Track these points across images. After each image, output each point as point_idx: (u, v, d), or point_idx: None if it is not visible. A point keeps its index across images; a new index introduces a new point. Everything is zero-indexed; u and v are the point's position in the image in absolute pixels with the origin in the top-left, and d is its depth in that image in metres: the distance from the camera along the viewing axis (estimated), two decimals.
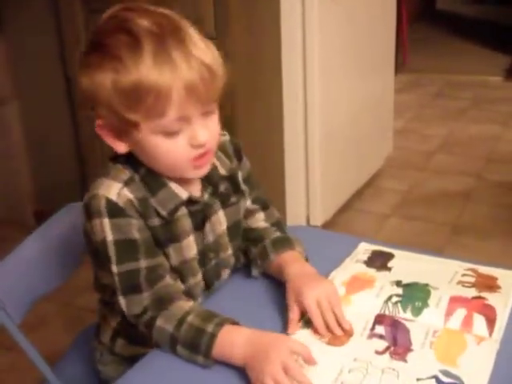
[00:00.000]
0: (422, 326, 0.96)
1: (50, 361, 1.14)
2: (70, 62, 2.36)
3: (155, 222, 0.99)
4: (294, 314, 0.97)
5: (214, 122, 0.98)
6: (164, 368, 0.93)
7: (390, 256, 1.14)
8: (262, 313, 1.02)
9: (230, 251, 1.11)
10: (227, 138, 1.12)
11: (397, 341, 0.93)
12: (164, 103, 0.89)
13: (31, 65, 2.52)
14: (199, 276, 1.07)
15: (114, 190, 0.95)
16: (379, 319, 0.97)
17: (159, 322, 0.95)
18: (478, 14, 6.12)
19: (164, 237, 1.00)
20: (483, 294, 1.01)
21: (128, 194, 0.96)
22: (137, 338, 1.05)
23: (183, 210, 1.02)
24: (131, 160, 0.99)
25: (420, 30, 5.58)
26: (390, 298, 1.01)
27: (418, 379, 0.86)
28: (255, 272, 1.11)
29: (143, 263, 0.97)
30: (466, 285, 1.04)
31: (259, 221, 1.15)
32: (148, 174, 0.99)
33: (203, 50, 0.92)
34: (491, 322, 0.95)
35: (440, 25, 5.83)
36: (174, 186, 1.00)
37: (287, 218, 2.42)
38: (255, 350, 0.88)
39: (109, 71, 0.90)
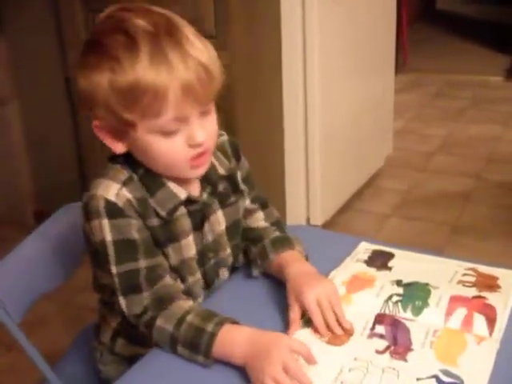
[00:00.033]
0: (422, 325, 0.96)
1: (50, 360, 1.14)
2: (70, 62, 2.36)
3: (154, 222, 0.99)
4: (294, 313, 0.97)
5: (211, 121, 0.97)
6: (163, 368, 0.93)
7: (391, 255, 1.14)
8: (262, 312, 1.02)
9: (228, 251, 1.11)
10: (225, 138, 1.12)
11: (397, 340, 0.93)
12: (161, 103, 0.89)
13: (31, 65, 2.52)
14: (198, 275, 1.07)
15: (113, 190, 0.95)
16: (379, 319, 0.97)
17: (159, 322, 0.95)
18: (478, 13, 6.12)
19: (163, 237, 1.00)
20: (483, 294, 1.01)
21: (127, 194, 0.96)
22: (137, 338, 1.05)
23: (182, 210, 1.02)
24: (130, 160, 0.99)
25: (420, 30, 5.58)
26: (390, 297, 1.01)
27: (418, 379, 0.85)
28: (255, 272, 1.11)
29: (143, 263, 0.97)
30: (467, 284, 1.04)
31: (259, 220, 1.15)
32: (146, 174, 0.99)
33: (200, 50, 0.92)
34: (491, 321, 0.95)
35: (440, 25, 5.83)
36: (172, 185, 1.00)
37: (287, 218, 2.42)
38: (255, 349, 0.88)
39: (106, 71, 0.90)
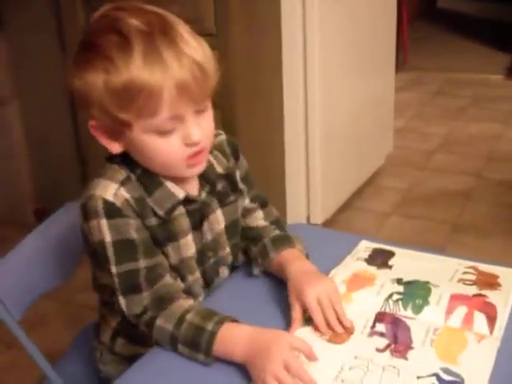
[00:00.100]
0: (422, 323, 0.95)
1: (50, 359, 1.14)
2: (71, 62, 2.35)
3: (152, 221, 0.99)
4: (296, 312, 0.97)
5: (207, 120, 0.97)
6: (164, 367, 0.93)
7: (391, 254, 1.14)
8: (262, 311, 1.02)
9: (228, 250, 1.11)
10: (224, 137, 1.12)
11: (397, 338, 0.93)
12: (156, 102, 0.89)
13: (32, 64, 2.52)
14: (197, 274, 1.07)
15: (111, 190, 0.95)
16: (380, 317, 0.97)
17: (159, 322, 0.95)
18: (479, 12, 6.12)
19: (162, 236, 1.00)
20: (484, 292, 1.01)
21: (125, 193, 0.96)
22: (137, 338, 1.05)
23: (181, 210, 1.02)
24: (127, 160, 0.99)
25: (421, 28, 5.58)
26: (390, 295, 1.01)
27: (418, 377, 0.85)
28: (256, 270, 1.10)
29: (142, 263, 0.97)
30: (467, 282, 1.04)
31: (258, 219, 1.15)
32: (144, 174, 0.99)
33: (195, 48, 0.91)
34: (492, 319, 0.95)
35: (441, 23, 5.83)
36: (170, 185, 1.00)
37: (287, 217, 2.42)
38: (256, 347, 0.88)
39: (100, 72, 0.90)
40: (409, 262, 1.11)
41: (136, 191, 0.97)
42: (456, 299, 0.99)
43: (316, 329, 0.95)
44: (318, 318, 0.95)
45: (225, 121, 2.01)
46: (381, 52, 2.87)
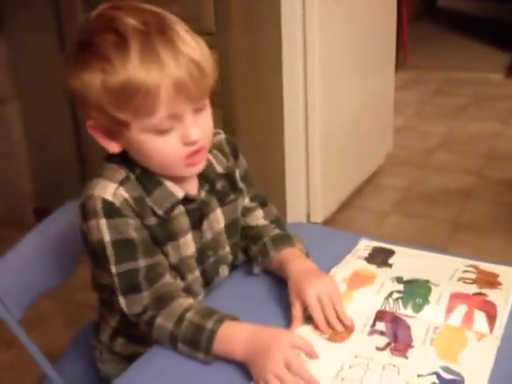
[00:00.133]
0: (422, 322, 0.95)
1: (50, 359, 1.14)
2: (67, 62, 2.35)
3: (152, 221, 0.98)
4: (296, 311, 0.97)
5: (206, 118, 0.97)
6: (163, 365, 0.93)
7: (391, 252, 1.14)
8: (263, 309, 1.02)
9: (227, 249, 1.11)
10: (223, 136, 1.12)
11: (397, 337, 0.93)
12: (153, 102, 0.89)
13: (31, 64, 2.52)
14: (197, 273, 1.07)
15: (110, 190, 0.95)
16: (380, 315, 0.97)
17: (159, 321, 0.95)
18: (479, 11, 6.12)
19: (162, 235, 1.00)
20: (484, 291, 1.01)
21: (124, 193, 0.96)
22: (136, 337, 1.05)
23: (180, 209, 1.02)
24: (126, 159, 0.98)
25: (421, 27, 5.58)
26: (390, 294, 1.01)
27: (418, 375, 0.85)
28: (256, 269, 1.10)
29: (142, 262, 0.96)
30: (467, 281, 1.04)
31: (258, 218, 1.15)
32: (143, 173, 0.98)
33: (192, 47, 0.91)
34: (492, 318, 0.95)
35: (441, 22, 5.84)
36: (169, 184, 1.00)
37: (287, 216, 2.42)
38: (256, 345, 0.88)
39: (97, 71, 0.89)
40: (409, 261, 1.11)
41: (135, 191, 0.97)
42: (456, 298, 0.99)
43: (316, 327, 0.95)
44: (318, 316, 0.95)
45: (225, 121, 2.01)
46: (381, 51, 2.87)
